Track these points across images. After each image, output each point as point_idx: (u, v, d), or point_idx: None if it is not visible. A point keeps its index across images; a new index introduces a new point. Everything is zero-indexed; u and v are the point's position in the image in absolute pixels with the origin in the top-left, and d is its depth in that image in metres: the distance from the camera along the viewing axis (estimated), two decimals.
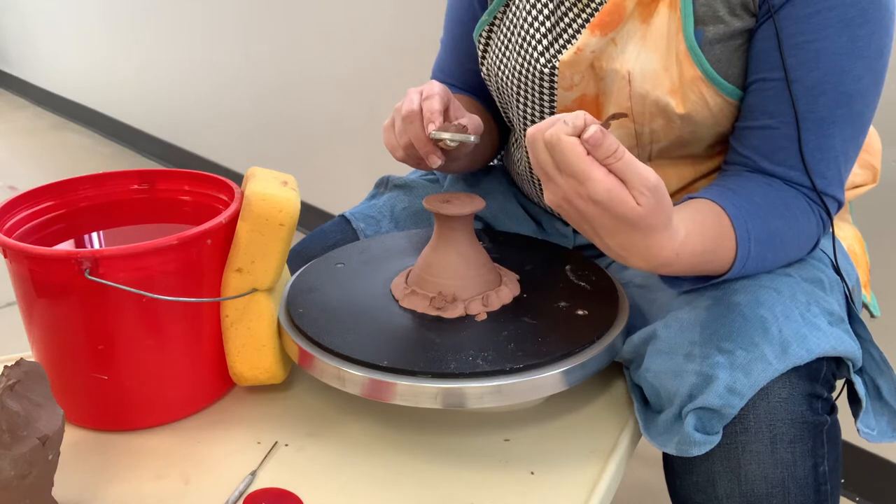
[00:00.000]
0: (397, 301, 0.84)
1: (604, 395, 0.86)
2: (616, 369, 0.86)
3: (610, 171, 0.64)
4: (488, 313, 0.82)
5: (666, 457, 0.79)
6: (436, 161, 0.84)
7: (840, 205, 0.83)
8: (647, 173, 0.64)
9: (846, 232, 0.97)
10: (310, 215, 2.28)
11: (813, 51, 0.76)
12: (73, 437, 0.79)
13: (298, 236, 0.95)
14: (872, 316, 0.98)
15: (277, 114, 2.48)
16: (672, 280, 0.80)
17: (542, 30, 0.87)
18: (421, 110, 0.83)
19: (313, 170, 2.36)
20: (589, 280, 0.88)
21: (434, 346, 0.77)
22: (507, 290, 0.85)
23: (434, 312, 0.82)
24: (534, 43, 0.88)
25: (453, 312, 0.81)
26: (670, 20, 0.81)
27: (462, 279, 0.83)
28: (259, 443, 0.80)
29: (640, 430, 0.79)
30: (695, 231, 0.72)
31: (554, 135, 0.64)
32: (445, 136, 0.82)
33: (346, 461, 0.77)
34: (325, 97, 2.28)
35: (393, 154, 0.87)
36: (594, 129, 0.63)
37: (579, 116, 0.64)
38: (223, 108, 2.72)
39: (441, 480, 0.75)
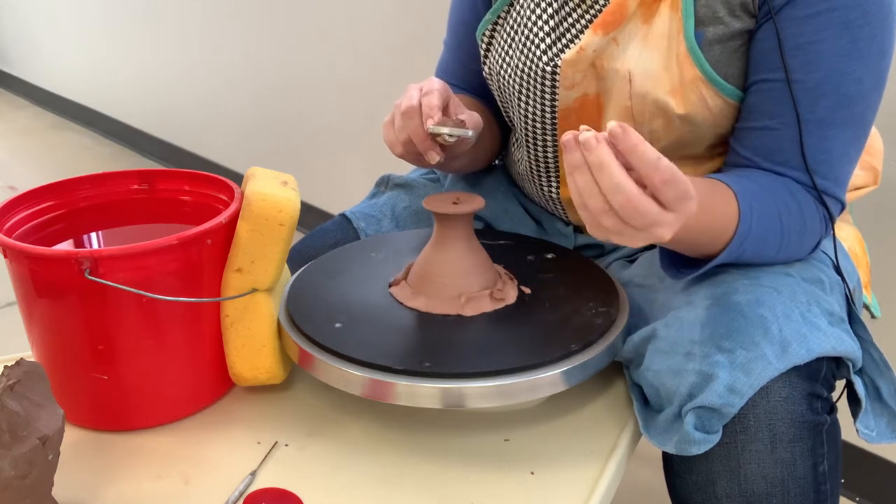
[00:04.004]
0: (397, 301, 0.84)
1: (604, 395, 0.86)
2: (616, 369, 0.86)
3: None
4: (488, 313, 0.82)
5: (666, 456, 0.79)
6: (434, 157, 0.84)
7: (843, 206, 0.83)
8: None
9: (847, 233, 0.97)
10: (310, 215, 2.28)
11: (814, 52, 0.76)
12: (73, 437, 0.79)
13: (298, 236, 0.95)
14: (873, 317, 0.98)
15: (277, 114, 2.48)
16: (672, 269, 0.80)
17: (546, 28, 0.88)
18: (420, 106, 0.83)
19: (313, 170, 2.36)
20: (589, 280, 0.88)
21: (434, 346, 0.77)
22: (508, 289, 0.85)
23: (434, 312, 0.82)
24: (537, 41, 0.88)
25: (453, 311, 0.81)
26: (671, 21, 0.81)
27: (462, 279, 0.83)
28: (259, 443, 0.80)
29: (640, 430, 0.79)
30: (692, 181, 0.71)
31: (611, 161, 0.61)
32: (443, 130, 0.82)
33: (346, 461, 0.77)
34: (325, 97, 2.28)
35: (392, 150, 0.87)
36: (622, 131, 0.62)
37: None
38: (223, 108, 2.72)
39: (441, 480, 0.75)
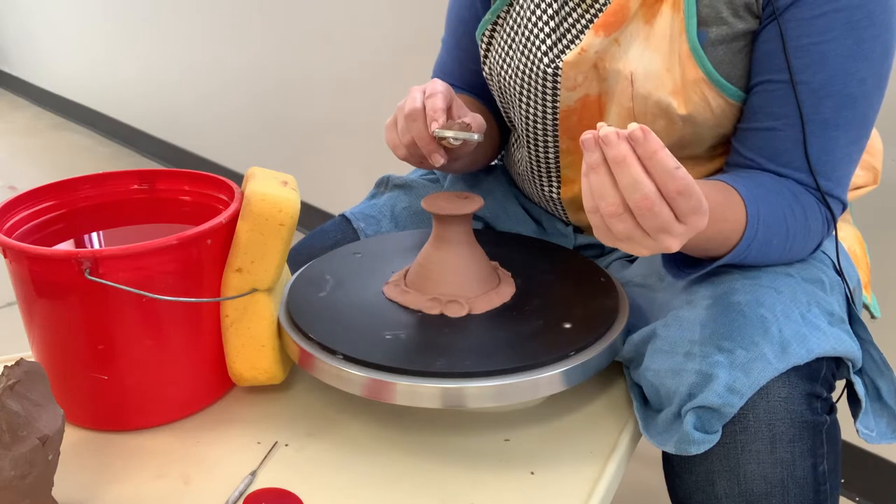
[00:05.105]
0: (397, 301, 0.84)
1: (604, 395, 0.86)
2: (616, 369, 0.86)
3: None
4: (488, 313, 0.82)
5: (665, 456, 0.79)
6: (438, 160, 0.84)
7: (844, 206, 0.83)
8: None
9: (847, 233, 0.97)
10: (310, 215, 2.28)
11: (819, 53, 0.76)
12: (73, 437, 0.79)
13: (298, 236, 0.95)
14: (873, 317, 0.98)
15: (277, 114, 2.48)
16: (674, 268, 0.80)
17: (546, 29, 0.87)
18: (424, 108, 0.82)
19: (313, 170, 2.36)
20: (589, 280, 0.88)
21: (434, 346, 0.77)
22: (507, 289, 0.85)
23: (432, 311, 0.82)
24: (538, 43, 0.88)
25: (452, 312, 0.81)
26: (673, 21, 0.81)
27: (461, 279, 0.83)
28: (259, 443, 0.80)
29: (640, 430, 0.79)
30: (703, 185, 0.71)
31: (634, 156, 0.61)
32: (449, 134, 0.81)
33: (346, 461, 0.77)
34: (325, 97, 2.28)
35: (395, 152, 0.87)
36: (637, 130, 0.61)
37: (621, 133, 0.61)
38: (223, 108, 2.72)
39: (441, 480, 0.75)
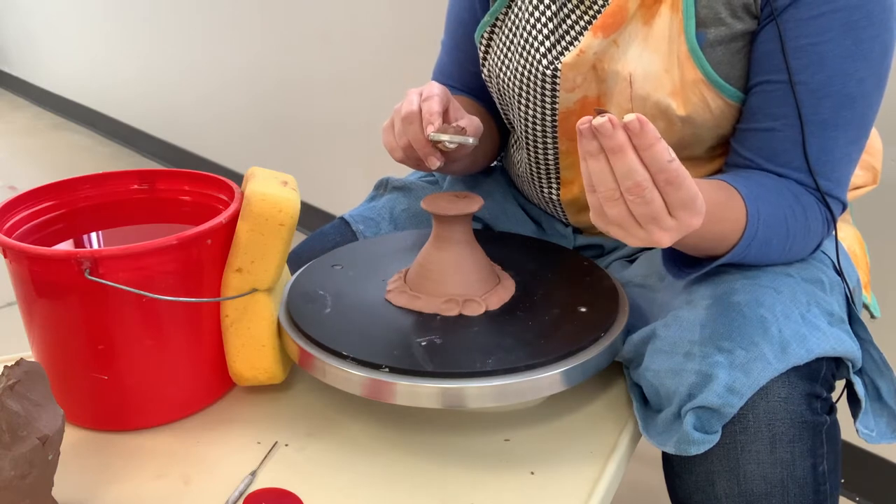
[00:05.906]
0: (397, 301, 0.84)
1: (604, 395, 0.86)
2: (616, 369, 0.86)
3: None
4: (488, 313, 0.82)
5: (665, 456, 0.79)
6: (435, 163, 0.84)
7: (844, 207, 0.83)
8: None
9: (846, 233, 0.97)
10: (310, 215, 2.28)
11: (817, 53, 0.76)
12: (73, 437, 0.79)
13: (299, 237, 0.95)
14: (873, 317, 0.98)
15: (277, 114, 2.48)
16: (674, 267, 0.80)
17: (545, 31, 0.87)
18: (420, 111, 0.82)
19: (313, 170, 2.36)
20: (589, 280, 0.88)
21: (434, 346, 0.77)
22: (507, 290, 0.85)
23: (433, 312, 0.82)
24: (536, 45, 0.88)
25: (453, 312, 0.81)
26: (672, 22, 0.81)
27: (460, 279, 0.83)
28: (259, 443, 0.80)
29: (639, 430, 0.79)
30: (703, 185, 0.72)
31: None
32: (444, 137, 0.82)
33: (346, 461, 0.77)
34: (325, 97, 2.28)
35: (392, 155, 0.87)
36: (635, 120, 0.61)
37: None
38: (223, 108, 2.72)
39: (441, 480, 0.75)
